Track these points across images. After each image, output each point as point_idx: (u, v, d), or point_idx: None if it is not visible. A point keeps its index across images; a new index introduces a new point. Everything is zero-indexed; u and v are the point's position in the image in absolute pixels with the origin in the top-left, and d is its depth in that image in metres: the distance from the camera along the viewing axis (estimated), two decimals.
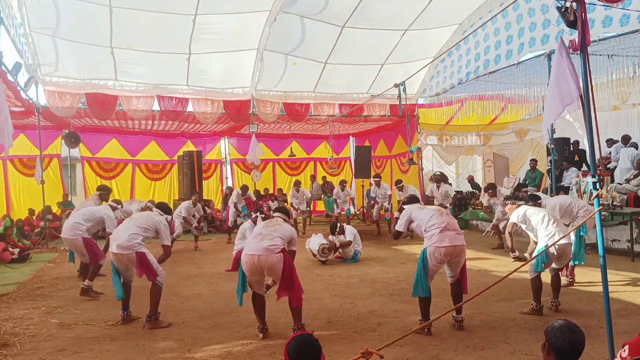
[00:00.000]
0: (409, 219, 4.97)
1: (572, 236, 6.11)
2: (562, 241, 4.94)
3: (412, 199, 5.39)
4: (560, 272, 5.50)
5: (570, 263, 6.14)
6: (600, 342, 4.07)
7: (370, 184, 12.59)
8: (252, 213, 9.80)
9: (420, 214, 4.91)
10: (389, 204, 11.98)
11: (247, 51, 11.43)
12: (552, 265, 5.30)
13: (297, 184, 13.51)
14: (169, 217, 5.82)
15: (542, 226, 5.18)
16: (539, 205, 5.93)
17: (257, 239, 4.61)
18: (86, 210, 6.76)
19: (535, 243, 5.47)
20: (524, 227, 5.43)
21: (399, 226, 5.05)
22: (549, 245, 4.95)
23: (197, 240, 10.75)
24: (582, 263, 6.12)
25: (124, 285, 5.31)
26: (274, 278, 4.73)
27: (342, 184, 13.46)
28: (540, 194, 8.26)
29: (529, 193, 7.10)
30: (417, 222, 4.89)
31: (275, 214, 5.21)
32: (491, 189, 9.87)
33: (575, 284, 6.33)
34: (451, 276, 4.89)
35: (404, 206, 5.30)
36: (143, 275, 5.11)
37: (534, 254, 5.18)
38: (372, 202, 12.29)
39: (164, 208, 5.79)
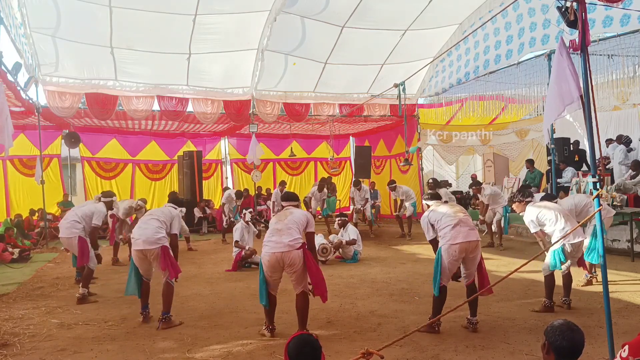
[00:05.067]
0: (429, 223, 4.90)
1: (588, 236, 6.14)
2: (577, 240, 5.08)
3: (434, 196, 5.26)
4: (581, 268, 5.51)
5: (590, 261, 6.14)
6: (600, 342, 4.07)
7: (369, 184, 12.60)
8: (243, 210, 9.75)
9: (435, 214, 4.86)
10: (362, 207, 11.93)
11: (247, 51, 11.43)
12: (566, 262, 5.31)
13: (282, 184, 13.52)
14: (183, 209, 5.96)
15: (556, 227, 5.17)
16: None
17: (276, 236, 4.55)
18: (79, 210, 6.74)
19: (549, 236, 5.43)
20: (540, 227, 5.36)
21: (428, 235, 4.96)
22: (562, 240, 4.98)
23: (188, 242, 10.66)
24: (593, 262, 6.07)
25: (143, 284, 5.29)
26: (293, 275, 4.55)
27: (323, 182, 13.40)
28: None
29: (545, 194, 7.05)
30: (434, 223, 4.87)
31: (284, 203, 5.04)
32: (475, 185, 10.03)
33: (592, 284, 6.28)
34: (466, 275, 4.85)
35: (426, 202, 5.22)
36: (166, 269, 5.07)
37: (550, 251, 5.15)
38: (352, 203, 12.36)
39: (177, 201, 5.98)
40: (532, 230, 5.40)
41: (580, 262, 5.42)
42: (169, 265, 5.10)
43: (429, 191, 5.40)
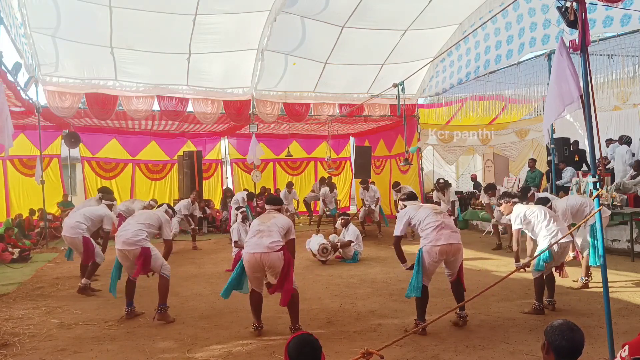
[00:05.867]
0: (408, 220, 4.95)
1: (588, 237, 6.13)
2: (563, 240, 5.00)
3: (411, 196, 5.35)
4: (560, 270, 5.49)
5: (589, 263, 6.13)
6: (600, 342, 4.07)
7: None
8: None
9: (417, 213, 4.91)
10: (375, 206, 11.93)
11: (247, 51, 11.42)
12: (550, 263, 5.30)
13: (290, 185, 13.46)
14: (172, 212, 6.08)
15: (543, 224, 5.17)
16: (550, 208, 5.78)
17: (257, 237, 4.62)
18: (86, 211, 6.88)
19: (534, 242, 5.43)
20: (524, 228, 5.38)
21: (398, 231, 4.98)
22: (552, 243, 4.95)
23: (194, 240, 10.76)
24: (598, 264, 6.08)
25: (129, 282, 5.39)
26: (274, 275, 4.71)
27: (323, 181, 13.33)
28: (548, 194, 8.22)
29: (537, 197, 7.04)
30: (415, 222, 4.89)
31: (267, 206, 5.17)
32: (491, 189, 9.87)
33: (589, 286, 6.25)
34: (449, 274, 4.89)
35: (403, 202, 5.28)
36: (140, 271, 5.22)
37: (536, 253, 5.16)
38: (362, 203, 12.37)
39: (170, 208, 6.13)
40: (515, 227, 5.42)
41: (561, 267, 5.39)
42: (142, 265, 5.18)
43: (408, 191, 5.56)
